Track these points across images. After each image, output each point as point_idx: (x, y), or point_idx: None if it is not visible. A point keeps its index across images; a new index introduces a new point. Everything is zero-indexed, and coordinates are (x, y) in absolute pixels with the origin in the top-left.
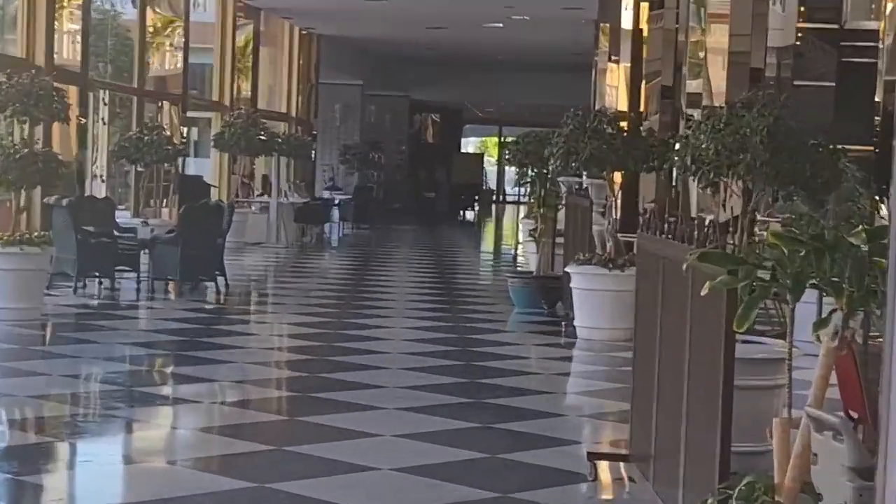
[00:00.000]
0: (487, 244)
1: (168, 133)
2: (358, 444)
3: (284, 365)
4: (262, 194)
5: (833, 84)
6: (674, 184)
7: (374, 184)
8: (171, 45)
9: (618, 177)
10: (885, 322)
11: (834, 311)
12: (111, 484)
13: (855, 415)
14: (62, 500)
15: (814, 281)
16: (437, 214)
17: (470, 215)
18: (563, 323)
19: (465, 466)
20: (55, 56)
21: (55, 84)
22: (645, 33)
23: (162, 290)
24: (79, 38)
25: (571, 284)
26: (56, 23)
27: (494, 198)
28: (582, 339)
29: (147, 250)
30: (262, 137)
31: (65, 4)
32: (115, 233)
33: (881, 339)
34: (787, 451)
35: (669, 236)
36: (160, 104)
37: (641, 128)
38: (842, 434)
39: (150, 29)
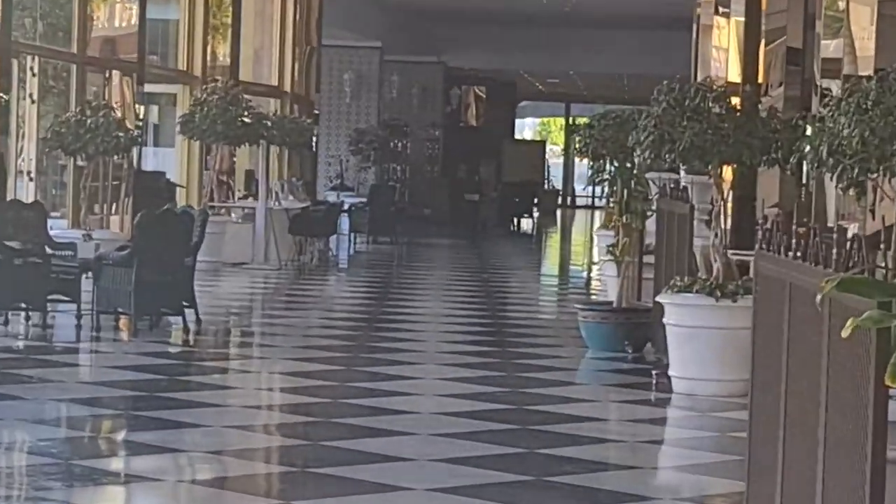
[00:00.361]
0: (550, 264)
1: (119, 114)
2: None
3: (275, 429)
4: (245, 197)
5: None
6: (804, 183)
7: (396, 182)
8: None
9: (728, 173)
10: None
11: None
12: None
13: None
14: None
15: None
16: (483, 224)
17: (527, 225)
18: (653, 372)
19: None
20: None
21: None
22: None
23: (111, 328)
24: None
25: (665, 320)
26: None
27: (560, 201)
28: (680, 395)
29: (91, 274)
30: (246, 120)
31: None
32: (48, 250)
33: None
34: None
35: (798, 255)
36: (108, 75)
37: (760, 106)
38: None
39: None
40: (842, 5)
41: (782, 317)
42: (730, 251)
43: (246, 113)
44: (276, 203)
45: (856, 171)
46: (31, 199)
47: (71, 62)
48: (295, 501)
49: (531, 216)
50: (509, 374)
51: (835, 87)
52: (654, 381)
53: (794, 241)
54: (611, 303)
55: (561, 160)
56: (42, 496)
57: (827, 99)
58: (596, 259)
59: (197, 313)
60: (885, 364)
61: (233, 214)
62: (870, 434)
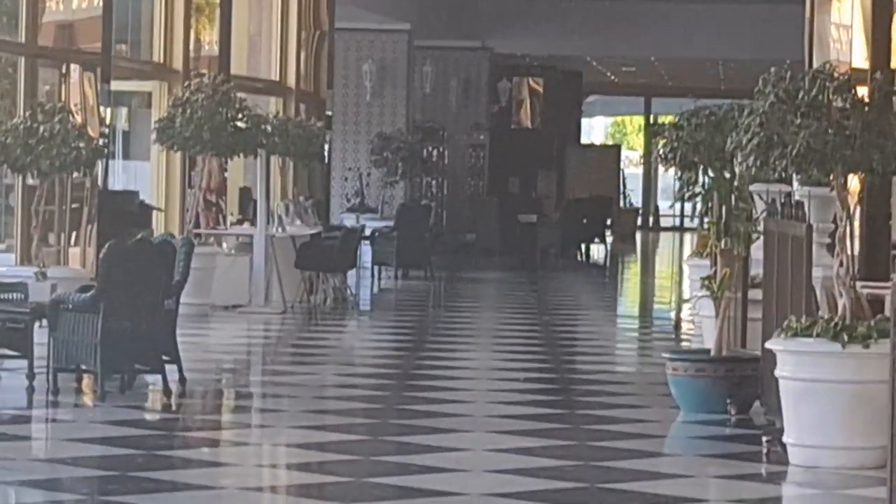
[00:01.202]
0: (629, 303)
1: (79, 120)
2: None
3: None
4: (240, 222)
5: None
6: None
7: (431, 201)
8: None
9: (855, 184)
10: None
11: None
12: None
13: None
14: None
15: None
16: (543, 252)
17: (598, 253)
18: (764, 439)
19: None
20: None
21: None
22: None
23: (71, 391)
24: None
25: (777, 372)
26: None
27: (640, 222)
28: (798, 467)
29: (46, 322)
30: (240, 125)
31: None
32: None
33: None
34: None
35: None
36: (65, 70)
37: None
38: None
39: None
40: None
41: None
42: (859, 283)
43: (240, 116)
44: (280, 229)
45: None
46: None
47: (17, 54)
48: None
49: (603, 241)
50: (580, 444)
51: None
52: (764, 451)
53: None
54: (708, 351)
55: (640, 170)
56: None
57: None
58: (687, 295)
59: (180, 370)
60: None
61: (225, 244)
62: None
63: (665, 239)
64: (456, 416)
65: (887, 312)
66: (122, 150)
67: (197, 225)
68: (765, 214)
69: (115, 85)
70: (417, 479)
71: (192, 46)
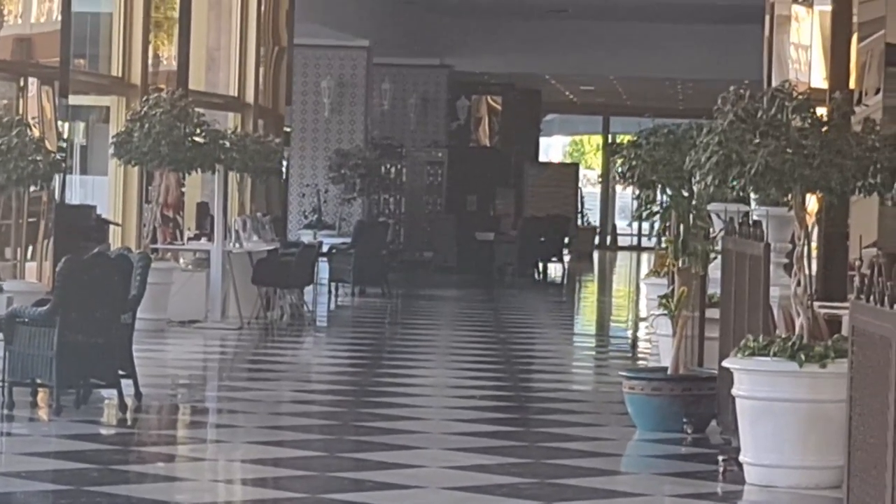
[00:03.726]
0: (586, 321)
1: (37, 133)
2: None
3: None
4: (197, 237)
5: None
6: None
7: (388, 218)
8: None
9: (813, 203)
10: None
11: None
12: None
13: None
14: None
15: None
16: (500, 271)
17: (555, 271)
18: (720, 458)
19: None
20: None
21: None
22: None
23: (26, 405)
24: None
25: (734, 391)
26: None
27: (597, 241)
28: (754, 486)
29: (2, 337)
30: (198, 139)
31: None
32: None
33: None
34: None
35: None
36: (22, 83)
37: (853, 118)
38: None
39: None
40: None
41: (888, 383)
42: (817, 303)
43: (198, 131)
44: (237, 245)
45: None
46: None
47: None
48: None
49: (561, 260)
50: (536, 461)
51: None
52: (721, 469)
53: None
54: (664, 369)
55: (598, 189)
56: None
57: None
58: (644, 314)
59: (136, 385)
60: None
61: (182, 260)
62: None
63: (622, 258)
64: (412, 433)
65: (844, 332)
66: (79, 165)
67: (154, 240)
68: (722, 233)
69: (73, 99)
70: (373, 495)
71: (150, 61)
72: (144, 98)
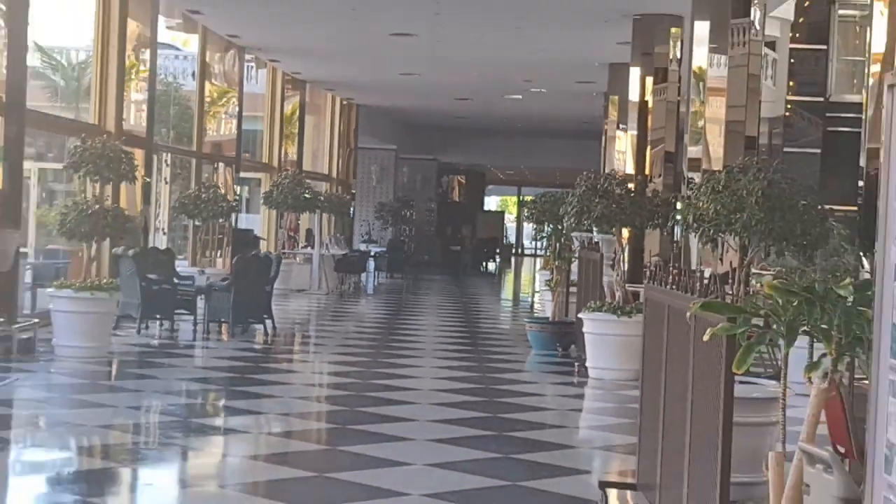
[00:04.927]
0: (507, 293)
1: (223, 191)
2: (391, 471)
3: (324, 400)
4: (305, 246)
5: (819, 151)
6: (676, 240)
7: (405, 238)
8: (226, 113)
9: (626, 233)
10: (871, 366)
11: (824, 355)
12: None
13: (842, 450)
14: None
15: (805, 328)
16: (462, 266)
17: (492, 266)
18: (576, 364)
19: (488, 493)
20: (124, 122)
21: (124, 147)
22: (650, 105)
23: (216, 332)
24: (145, 106)
25: (584, 329)
26: (125, 93)
27: (514, 251)
28: (593, 379)
29: (203, 296)
30: (307, 196)
31: (133, 77)
32: (175, 280)
33: (866, 382)
34: (782, 482)
35: (674, 287)
36: (216, 165)
37: (647, 189)
38: (831, 467)
39: (208, 99)
40: (701, 124)
41: (663, 328)
42: (627, 284)
43: (307, 191)
44: (326, 250)
45: (711, 232)
46: (164, 247)
47: (192, 157)
48: (339, 447)
49: (495, 261)
50: (480, 364)
51: (697, 176)
52: (576, 370)
53: (670, 277)
54: (548, 318)
55: (514, 224)
56: (170, 442)
57: (691, 184)
58: (538, 289)
59: (273, 323)
60: (731, 359)
61: (297, 258)
62: (721, 405)
63: (528, 261)
64: (416, 349)
65: (642, 300)
66: (245, 208)
67: (283, 248)
68: (579, 248)
69: (242, 174)
70: (398, 381)
71: (283, 154)
72: (279, 174)
